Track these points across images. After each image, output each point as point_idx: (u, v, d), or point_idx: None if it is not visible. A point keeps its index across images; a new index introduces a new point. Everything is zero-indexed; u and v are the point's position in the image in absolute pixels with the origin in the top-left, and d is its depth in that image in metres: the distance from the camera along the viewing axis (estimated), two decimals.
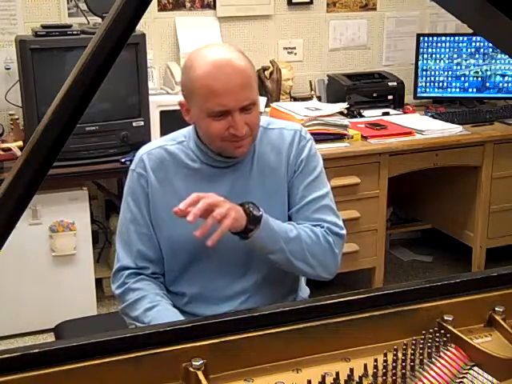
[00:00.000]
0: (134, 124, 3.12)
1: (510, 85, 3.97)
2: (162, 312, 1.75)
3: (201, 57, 1.72)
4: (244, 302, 1.84)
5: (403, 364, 1.27)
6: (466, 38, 3.93)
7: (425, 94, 4.03)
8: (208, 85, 1.68)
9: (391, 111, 3.82)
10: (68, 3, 3.45)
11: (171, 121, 3.27)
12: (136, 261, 1.83)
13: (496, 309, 1.42)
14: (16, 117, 3.26)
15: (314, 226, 1.84)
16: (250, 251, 1.81)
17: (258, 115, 1.78)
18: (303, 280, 2.03)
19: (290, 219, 1.87)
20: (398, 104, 3.89)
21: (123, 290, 1.83)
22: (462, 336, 1.34)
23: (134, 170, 1.85)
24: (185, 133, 1.88)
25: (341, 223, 1.89)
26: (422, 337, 1.34)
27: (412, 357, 1.27)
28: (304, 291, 2.02)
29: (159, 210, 1.82)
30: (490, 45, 3.84)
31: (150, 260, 1.84)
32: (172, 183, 1.82)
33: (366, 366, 1.26)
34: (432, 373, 1.26)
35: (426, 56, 3.97)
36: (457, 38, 3.95)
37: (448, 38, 3.96)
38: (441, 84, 4.00)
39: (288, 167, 1.86)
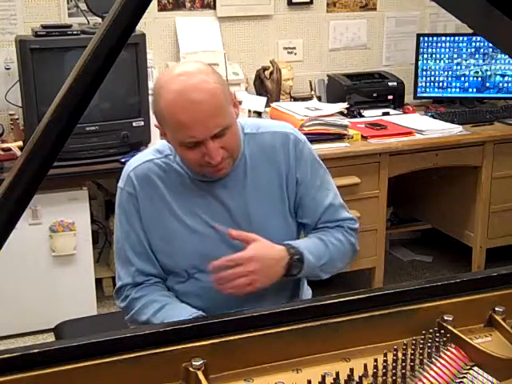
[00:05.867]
0: (134, 124, 3.12)
1: (510, 85, 3.97)
2: (172, 310, 1.73)
3: (167, 83, 1.63)
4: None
5: (403, 364, 1.27)
6: (465, 38, 3.93)
7: (425, 94, 4.03)
8: (175, 117, 1.61)
9: (391, 111, 3.82)
10: (68, 3, 3.45)
11: None
12: (136, 278, 1.81)
13: (496, 309, 1.42)
14: (16, 117, 3.26)
15: (336, 227, 1.89)
16: None
17: (235, 135, 1.70)
18: (305, 282, 2.02)
19: (303, 226, 1.89)
20: (398, 104, 3.89)
21: (128, 301, 1.80)
22: (462, 336, 1.34)
23: (122, 189, 1.80)
24: (170, 146, 1.80)
25: (352, 215, 1.95)
26: (422, 337, 1.34)
27: (412, 357, 1.27)
28: (307, 293, 2.01)
29: (152, 226, 1.79)
30: (490, 45, 3.84)
31: (150, 274, 1.82)
32: (163, 198, 1.78)
33: (365, 365, 1.27)
34: (432, 373, 1.26)
35: (426, 56, 3.97)
36: (457, 38, 3.95)
37: (448, 38, 3.96)
38: (441, 84, 4.00)
39: (288, 173, 1.83)
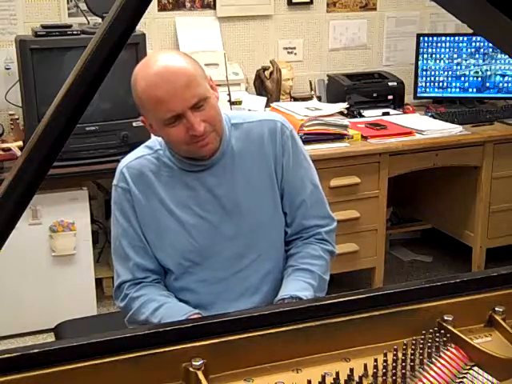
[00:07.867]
0: (134, 124, 3.11)
1: (510, 85, 3.97)
2: (169, 309, 1.75)
3: (141, 71, 1.71)
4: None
5: (403, 364, 1.27)
6: (466, 38, 3.93)
7: (425, 94, 4.03)
8: (151, 95, 1.67)
9: (391, 111, 3.82)
10: (68, 3, 3.45)
11: None
12: (135, 274, 1.82)
13: (496, 309, 1.42)
14: (16, 117, 3.26)
15: (312, 237, 1.90)
16: (243, 256, 1.83)
17: (215, 109, 1.73)
18: None
19: (285, 214, 1.90)
20: (398, 104, 3.89)
21: (127, 300, 1.82)
22: (462, 336, 1.34)
23: (117, 186, 1.84)
24: (160, 140, 1.85)
25: (331, 212, 1.96)
26: (422, 337, 1.34)
27: (412, 357, 1.27)
28: None
29: (147, 221, 1.81)
30: (490, 45, 3.84)
31: (149, 270, 1.83)
32: (155, 192, 1.81)
33: (365, 365, 1.26)
34: (432, 373, 1.26)
35: (426, 56, 3.97)
36: (457, 38, 3.95)
37: (448, 38, 3.96)
38: (441, 84, 4.00)
39: (276, 160, 1.85)
